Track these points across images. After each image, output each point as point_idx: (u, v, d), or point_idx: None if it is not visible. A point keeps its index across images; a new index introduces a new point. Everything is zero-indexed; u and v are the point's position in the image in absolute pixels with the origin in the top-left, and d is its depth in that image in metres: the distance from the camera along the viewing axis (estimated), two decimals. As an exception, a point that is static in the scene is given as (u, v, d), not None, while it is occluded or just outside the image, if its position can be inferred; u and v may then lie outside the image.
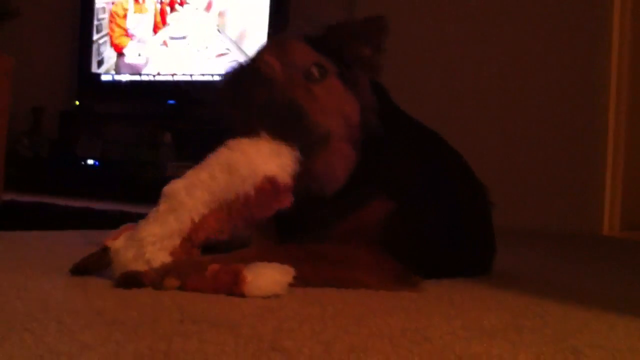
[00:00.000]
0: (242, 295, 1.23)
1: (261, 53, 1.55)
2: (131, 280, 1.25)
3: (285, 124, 1.38)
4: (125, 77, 5.13)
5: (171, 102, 4.83)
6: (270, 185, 1.33)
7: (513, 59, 4.25)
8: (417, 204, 1.57)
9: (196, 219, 1.29)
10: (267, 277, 1.25)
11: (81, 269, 1.39)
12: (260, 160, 1.33)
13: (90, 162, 5.08)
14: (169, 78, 4.93)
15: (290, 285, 1.30)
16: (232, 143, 1.38)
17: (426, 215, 1.58)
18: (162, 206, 1.31)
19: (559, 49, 4.13)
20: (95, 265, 1.39)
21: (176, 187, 1.32)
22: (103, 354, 0.82)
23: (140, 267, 1.26)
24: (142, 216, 1.41)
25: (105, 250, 1.32)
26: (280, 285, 1.27)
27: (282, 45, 1.53)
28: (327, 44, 1.54)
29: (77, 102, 5.35)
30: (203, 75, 4.74)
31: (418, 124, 1.77)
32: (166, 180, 1.34)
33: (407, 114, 1.75)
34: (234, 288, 1.23)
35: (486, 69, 4.32)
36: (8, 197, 3.72)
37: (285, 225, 1.52)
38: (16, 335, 0.88)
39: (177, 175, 1.34)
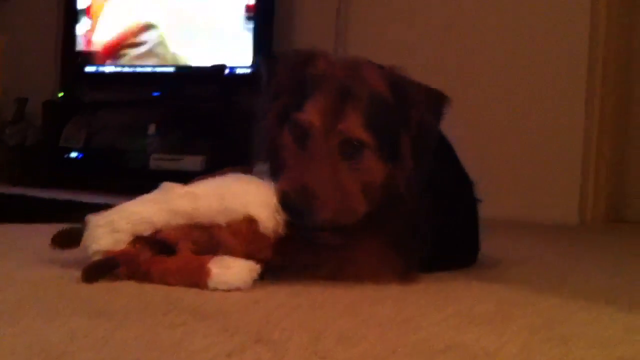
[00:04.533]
0: (206, 287, 1.21)
1: (322, 61, 1.42)
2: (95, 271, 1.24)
3: (289, 208, 1.30)
4: (109, 69, 5.09)
5: (156, 93, 4.80)
6: (246, 227, 1.27)
7: (495, 50, 4.26)
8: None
9: (159, 225, 1.28)
10: (233, 272, 1.23)
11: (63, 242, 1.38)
12: (253, 202, 1.29)
13: (73, 153, 5.05)
14: (154, 69, 4.90)
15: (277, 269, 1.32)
16: (243, 175, 1.37)
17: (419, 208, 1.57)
18: (150, 196, 1.31)
19: (542, 39, 4.15)
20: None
21: (172, 187, 1.31)
22: (90, 343, 0.81)
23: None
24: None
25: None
26: (245, 280, 1.23)
27: (355, 70, 1.40)
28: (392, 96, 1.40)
29: (61, 94, 5.31)
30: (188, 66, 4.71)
31: None
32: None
33: None
34: (198, 280, 1.21)
35: (468, 62, 4.33)
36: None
37: None
38: (5, 325, 0.87)
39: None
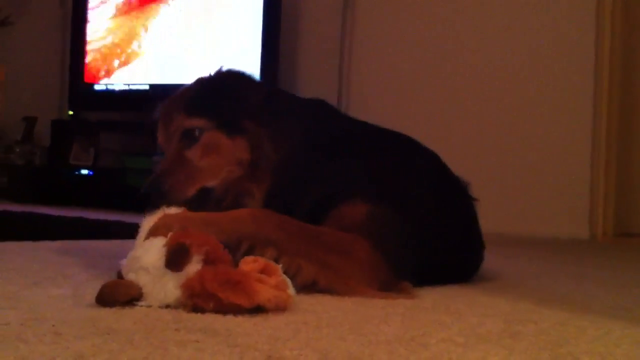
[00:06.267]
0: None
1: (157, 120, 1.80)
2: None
3: (150, 200, 1.55)
4: (118, 86, 5.12)
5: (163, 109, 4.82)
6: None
7: (506, 64, 4.27)
8: (391, 207, 1.58)
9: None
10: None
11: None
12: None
13: (83, 171, 5.07)
14: (161, 85, 4.93)
15: (274, 258, 1.36)
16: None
17: (402, 218, 1.58)
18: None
19: (552, 54, 4.15)
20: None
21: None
22: (98, 363, 0.81)
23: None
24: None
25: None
26: None
27: (166, 114, 1.74)
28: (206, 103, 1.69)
29: (71, 112, 5.34)
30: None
31: (376, 128, 1.83)
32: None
33: (364, 122, 1.84)
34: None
35: (478, 76, 4.34)
36: (0, 207, 3.71)
37: None
38: (11, 346, 0.87)
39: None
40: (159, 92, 4.83)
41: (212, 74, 1.77)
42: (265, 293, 1.18)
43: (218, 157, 1.65)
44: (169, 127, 1.71)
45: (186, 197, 1.59)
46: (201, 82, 1.77)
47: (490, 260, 1.88)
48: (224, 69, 1.78)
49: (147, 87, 4.97)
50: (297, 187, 1.64)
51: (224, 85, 1.73)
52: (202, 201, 1.60)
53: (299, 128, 1.71)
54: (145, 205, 1.50)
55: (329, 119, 1.81)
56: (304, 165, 1.67)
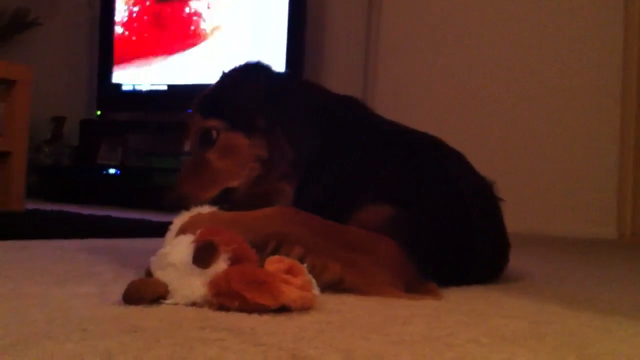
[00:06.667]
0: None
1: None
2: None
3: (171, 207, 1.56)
4: (145, 87, 5.16)
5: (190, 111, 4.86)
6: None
7: (533, 63, 4.24)
8: (416, 207, 1.57)
9: None
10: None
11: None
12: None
13: (111, 170, 5.12)
14: (187, 85, 4.97)
15: (300, 256, 1.36)
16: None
17: (427, 218, 1.58)
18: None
19: (580, 53, 4.12)
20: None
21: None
22: (125, 361, 0.82)
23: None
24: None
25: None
26: None
27: (189, 116, 1.75)
28: (220, 102, 1.70)
29: (99, 112, 5.40)
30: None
31: (403, 128, 1.80)
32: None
33: (391, 121, 1.80)
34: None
35: (504, 74, 4.31)
36: (30, 205, 3.75)
37: None
38: (38, 344, 0.88)
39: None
40: (181, 92, 4.93)
41: (229, 70, 1.75)
42: (290, 294, 1.19)
43: (237, 158, 1.64)
44: (191, 129, 1.71)
45: (208, 200, 1.58)
46: (220, 80, 1.76)
47: (517, 260, 1.87)
48: (245, 62, 1.74)
49: (165, 88, 5.01)
50: (320, 186, 1.63)
51: (238, 82, 1.71)
52: (226, 202, 1.60)
53: (322, 124, 1.68)
54: (171, 210, 1.52)
55: (357, 116, 1.77)
56: (327, 163, 1.65)
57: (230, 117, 1.65)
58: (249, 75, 1.71)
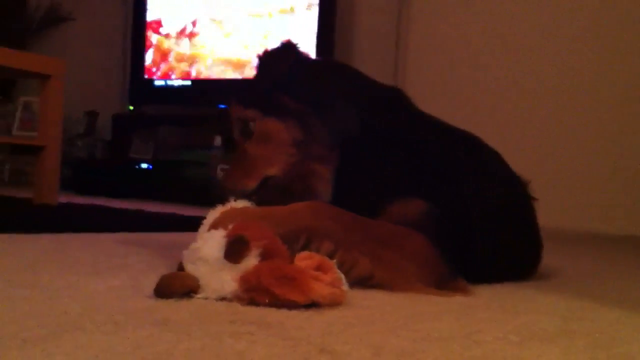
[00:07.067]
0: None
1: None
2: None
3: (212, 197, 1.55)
4: (177, 82, 5.20)
5: (222, 106, 4.89)
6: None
7: (563, 60, 4.20)
8: (452, 203, 1.56)
9: None
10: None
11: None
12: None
13: (143, 164, 5.17)
14: (218, 80, 5.00)
15: (331, 251, 1.36)
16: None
17: (463, 216, 1.57)
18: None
19: (612, 49, 4.07)
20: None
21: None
22: (155, 353, 0.83)
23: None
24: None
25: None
26: None
27: (230, 108, 1.73)
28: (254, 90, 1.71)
29: (131, 107, 5.45)
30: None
31: (444, 125, 1.78)
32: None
33: (430, 116, 1.77)
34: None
35: (535, 71, 4.27)
36: (63, 199, 3.80)
37: None
38: (70, 335, 0.89)
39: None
40: (211, 86, 4.95)
41: (262, 54, 1.73)
42: (320, 290, 1.19)
43: (273, 145, 1.63)
44: (233, 121, 1.71)
45: (248, 190, 1.60)
46: (255, 67, 1.74)
47: (548, 257, 1.86)
48: (277, 45, 1.71)
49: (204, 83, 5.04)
50: (356, 173, 1.61)
51: (266, 65, 1.70)
52: (267, 191, 1.61)
53: (359, 107, 1.64)
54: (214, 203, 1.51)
55: (397, 106, 1.73)
56: (364, 149, 1.62)
57: (262, 103, 1.64)
58: (277, 57, 1.69)
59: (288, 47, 1.70)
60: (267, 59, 1.71)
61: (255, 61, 1.76)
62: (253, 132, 1.65)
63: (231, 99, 1.73)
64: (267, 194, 1.57)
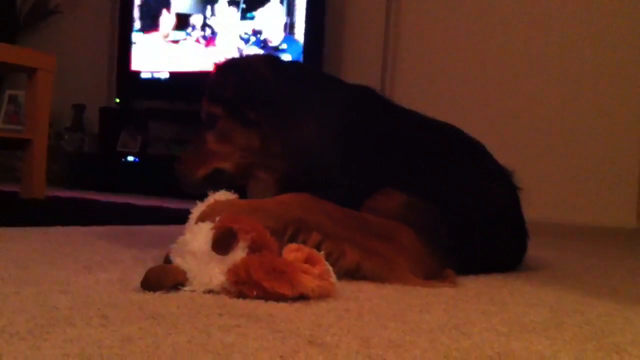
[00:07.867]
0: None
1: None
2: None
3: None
4: (164, 75, 5.17)
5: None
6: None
7: (552, 53, 4.21)
8: (432, 195, 1.57)
9: None
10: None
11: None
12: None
13: (130, 158, 5.15)
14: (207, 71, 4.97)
15: (318, 242, 1.38)
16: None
17: (441, 207, 1.57)
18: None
19: (599, 43, 4.08)
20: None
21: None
22: (143, 346, 0.83)
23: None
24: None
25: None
26: None
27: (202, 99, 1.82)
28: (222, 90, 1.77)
29: (118, 100, 5.42)
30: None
31: (423, 117, 1.80)
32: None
33: (406, 110, 1.80)
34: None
35: (524, 66, 4.28)
36: (51, 192, 3.78)
37: None
38: (59, 329, 0.89)
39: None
40: (198, 80, 4.92)
41: (238, 58, 1.87)
42: (309, 283, 1.19)
43: (230, 143, 1.74)
44: (202, 110, 1.81)
45: (198, 177, 1.76)
46: (228, 67, 1.83)
47: (536, 249, 1.86)
48: (253, 54, 1.81)
49: (191, 76, 5.01)
50: (321, 176, 1.63)
51: (240, 73, 1.77)
52: (215, 181, 1.71)
53: (328, 113, 1.71)
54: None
55: (366, 105, 1.77)
56: (329, 152, 1.65)
57: (229, 106, 1.73)
58: (252, 66, 1.77)
59: (266, 59, 1.85)
60: (243, 66, 1.80)
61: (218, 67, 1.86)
62: (214, 126, 1.75)
63: (204, 90, 1.83)
64: (213, 185, 1.61)
